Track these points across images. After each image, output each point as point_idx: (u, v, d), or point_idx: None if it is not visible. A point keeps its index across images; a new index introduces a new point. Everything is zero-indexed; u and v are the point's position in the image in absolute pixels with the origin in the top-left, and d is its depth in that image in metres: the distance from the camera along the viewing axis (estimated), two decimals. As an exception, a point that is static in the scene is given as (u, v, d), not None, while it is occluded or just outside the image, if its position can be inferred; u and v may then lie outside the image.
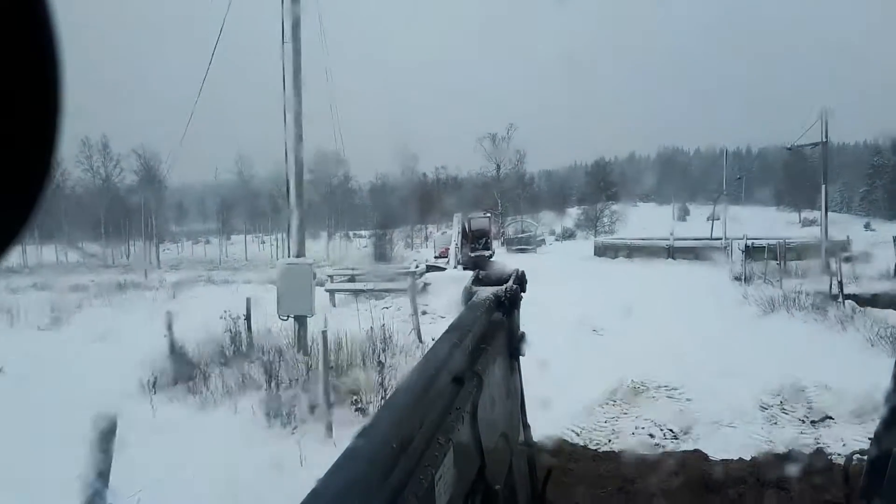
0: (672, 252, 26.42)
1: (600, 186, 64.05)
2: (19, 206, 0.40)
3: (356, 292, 15.43)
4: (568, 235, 55.02)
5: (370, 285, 15.75)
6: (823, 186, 16.04)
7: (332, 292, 15.48)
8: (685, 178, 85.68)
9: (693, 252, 25.77)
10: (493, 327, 2.05)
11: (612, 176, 75.71)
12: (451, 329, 1.77)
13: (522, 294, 2.34)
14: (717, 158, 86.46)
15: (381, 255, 36.13)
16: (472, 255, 23.24)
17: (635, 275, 19.23)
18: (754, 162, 72.92)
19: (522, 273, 2.53)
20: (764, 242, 21.23)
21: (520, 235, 44.85)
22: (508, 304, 2.21)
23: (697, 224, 54.91)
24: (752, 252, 20.65)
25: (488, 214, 24.47)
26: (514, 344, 2.24)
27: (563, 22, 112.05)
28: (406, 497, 1.01)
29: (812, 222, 59.29)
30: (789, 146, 16.75)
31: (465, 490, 1.41)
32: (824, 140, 16.00)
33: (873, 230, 48.90)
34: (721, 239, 23.51)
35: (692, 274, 17.91)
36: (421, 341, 9.77)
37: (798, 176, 64.29)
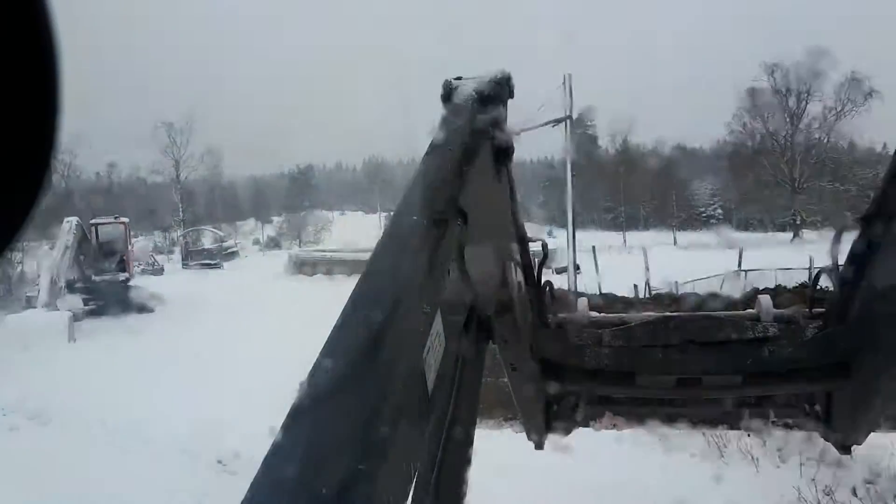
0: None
1: (305, 193, 59.50)
2: (18, 205, 0.40)
3: None
4: (274, 245, 50.63)
5: None
6: (570, 173, 13.15)
7: None
8: (391, 187, 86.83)
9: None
10: (477, 138, 1.65)
11: (318, 183, 72.51)
12: (429, 153, 1.47)
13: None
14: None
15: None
16: (99, 278, 15.81)
17: (330, 306, 13.91)
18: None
19: (508, 75, 2.03)
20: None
21: (204, 248, 36.99)
22: (492, 100, 1.77)
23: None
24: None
25: (124, 220, 17.21)
26: (499, 149, 1.84)
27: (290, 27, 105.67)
28: (395, 384, 0.89)
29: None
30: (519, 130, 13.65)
31: (456, 332, 1.29)
32: (568, 114, 13.11)
33: (555, 237, 53.36)
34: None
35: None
36: None
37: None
